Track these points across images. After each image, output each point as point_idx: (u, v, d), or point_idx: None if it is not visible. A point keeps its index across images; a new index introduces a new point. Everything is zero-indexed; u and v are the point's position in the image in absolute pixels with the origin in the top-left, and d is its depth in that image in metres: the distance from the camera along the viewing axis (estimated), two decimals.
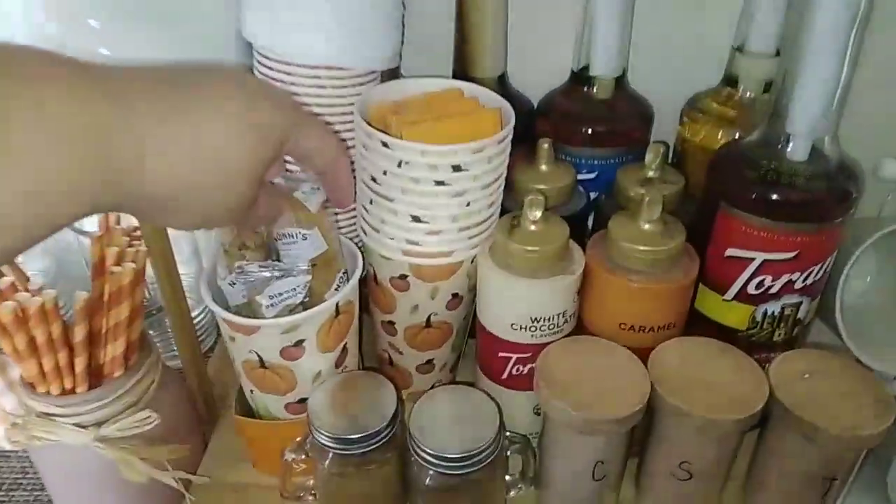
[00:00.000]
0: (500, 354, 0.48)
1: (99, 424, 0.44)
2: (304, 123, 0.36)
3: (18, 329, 0.39)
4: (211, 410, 0.57)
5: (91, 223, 0.61)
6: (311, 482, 0.48)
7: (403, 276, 0.49)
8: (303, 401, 0.47)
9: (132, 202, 0.29)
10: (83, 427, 0.44)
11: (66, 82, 0.26)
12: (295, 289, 0.42)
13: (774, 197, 0.44)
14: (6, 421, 0.57)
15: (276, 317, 0.42)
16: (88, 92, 0.26)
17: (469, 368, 0.58)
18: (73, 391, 0.43)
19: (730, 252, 0.47)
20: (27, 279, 0.42)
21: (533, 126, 0.55)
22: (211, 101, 0.31)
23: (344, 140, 0.48)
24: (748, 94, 0.53)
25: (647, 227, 0.44)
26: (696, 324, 0.49)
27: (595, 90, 0.54)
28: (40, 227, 0.26)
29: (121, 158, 0.27)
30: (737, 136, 0.53)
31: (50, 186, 0.25)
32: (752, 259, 0.46)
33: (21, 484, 0.58)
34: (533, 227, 0.45)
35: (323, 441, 0.43)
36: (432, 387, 0.57)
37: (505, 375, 0.49)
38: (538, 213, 0.44)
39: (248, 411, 0.50)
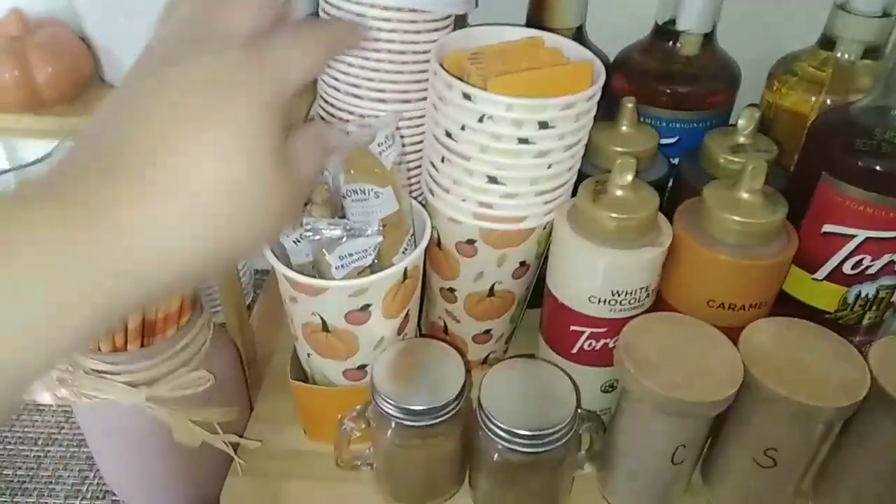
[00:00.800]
0: (573, 328, 0.45)
1: (149, 384, 0.42)
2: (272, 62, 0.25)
3: None
4: (254, 372, 0.55)
5: None
6: (368, 451, 0.45)
7: (471, 241, 0.46)
8: (362, 367, 0.45)
9: (156, 290, 0.23)
10: (133, 386, 0.41)
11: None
12: (366, 250, 0.39)
13: (886, 169, 0.40)
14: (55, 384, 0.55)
15: (344, 278, 0.39)
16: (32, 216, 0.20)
17: (522, 340, 0.55)
18: (124, 348, 0.41)
19: (827, 228, 0.43)
20: None
21: (609, 84, 0.51)
22: (170, 153, 0.22)
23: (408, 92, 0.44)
24: (847, 57, 0.49)
25: (746, 196, 0.41)
26: (778, 304, 0.46)
27: (680, 46, 0.50)
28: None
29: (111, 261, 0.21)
30: (828, 103, 0.49)
31: (26, 331, 0.20)
32: (853, 236, 0.43)
33: (57, 439, 0.57)
34: (620, 193, 0.41)
35: (387, 410, 0.41)
36: (486, 357, 0.55)
37: (575, 350, 0.46)
38: (629, 178, 0.41)
39: (301, 376, 0.48)
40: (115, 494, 0.52)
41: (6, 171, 0.61)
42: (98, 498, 0.52)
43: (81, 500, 0.52)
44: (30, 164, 0.60)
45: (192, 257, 0.23)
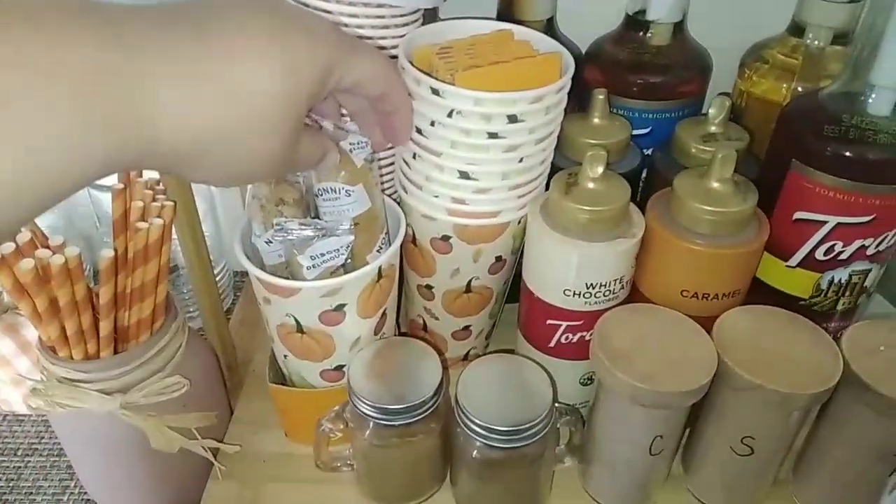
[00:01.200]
0: (549, 322, 0.45)
1: (124, 391, 0.41)
2: (350, 52, 0.32)
3: (40, 290, 0.36)
4: (234, 376, 0.55)
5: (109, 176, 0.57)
6: (348, 452, 0.45)
7: (446, 238, 0.46)
8: (339, 368, 0.45)
9: (153, 158, 0.26)
10: (107, 393, 0.41)
11: (66, 24, 0.22)
12: (338, 250, 0.39)
13: (854, 154, 0.41)
14: (21, 384, 0.54)
15: (316, 279, 0.39)
16: (91, 33, 0.23)
17: (503, 335, 0.55)
18: (96, 355, 0.41)
19: (799, 215, 0.44)
20: (45, 236, 0.39)
21: (580, 75, 0.51)
22: (235, 36, 0.26)
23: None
24: (816, 43, 0.49)
25: (717, 185, 0.41)
26: (754, 292, 0.46)
27: (651, 36, 0.50)
28: (44, 193, 0.22)
29: (134, 107, 0.24)
30: (799, 90, 0.49)
31: (53, 143, 0.22)
32: (824, 222, 0.43)
33: (37, 449, 0.56)
34: (592, 185, 0.41)
35: (364, 411, 0.41)
36: (466, 354, 0.55)
37: (552, 344, 0.46)
38: (600, 170, 0.41)
39: (280, 378, 0.47)
40: (95, 503, 0.51)
41: None
42: None
43: None
44: None
45: (186, 137, 0.26)
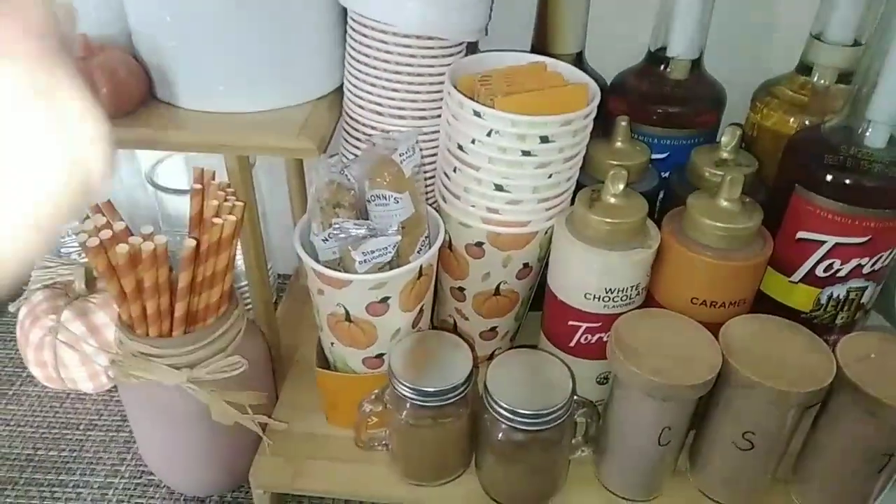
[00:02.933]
0: (570, 323, 0.50)
1: (190, 366, 0.46)
2: None
3: (129, 272, 0.42)
4: (279, 366, 0.60)
5: (171, 179, 0.64)
6: (384, 433, 0.50)
7: (479, 244, 0.51)
8: (380, 356, 0.50)
9: None
10: (177, 368, 0.46)
11: None
12: (386, 248, 0.44)
13: (851, 181, 0.45)
14: (88, 364, 0.60)
15: (366, 273, 0.44)
16: None
17: (527, 339, 0.60)
18: (169, 334, 0.46)
19: (801, 234, 0.48)
20: (129, 231, 0.44)
21: (606, 104, 0.57)
22: None
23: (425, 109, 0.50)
24: (822, 82, 0.53)
25: (726, 204, 0.45)
26: (759, 305, 0.51)
27: (670, 71, 0.55)
28: None
29: None
30: (807, 124, 0.54)
31: None
32: (824, 242, 0.47)
33: (97, 424, 0.61)
34: (613, 200, 0.46)
35: (402, 392, 0.45)
36: (492, 354, 0.59)
37: (573, 343, 0.51)
38: (621, 187, 0.46)
39: (324, 364, 0.52)
40: (151, 474, 0.57)
41: None
42: (135, 477, 0.57)
43: (120, 478, 0.57)
44: None
45: None
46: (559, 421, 0.45)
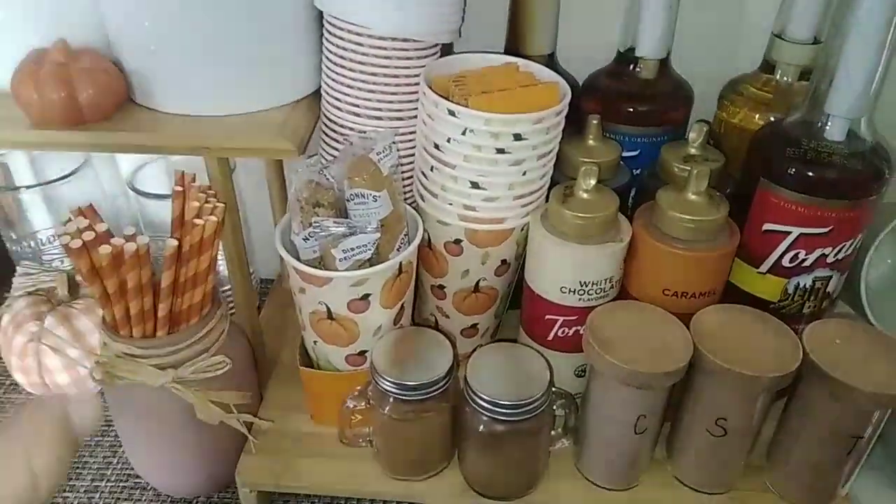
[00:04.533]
0: (548, 317, 0.51)
1: (175, 367, 0.47)
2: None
3: (112, 273, 0.42)
4: (264, 366, 0.61)
5: (152, 184, 0.64)
6: (368, 430, 0.51)
7: (458, 241, 0.52)
8: (362, 353, 0.51)
9: None
10: (161, 368, 0.47)
11: None
12: (366, 245, 0.45)
13: (813, 173, 0.47)
14: (72, 369, 0.60)
15: (347, 270, 0.45)
16: None
17: (508, 336, 0.61)
18: (153, 335, 0.47)
19: (767, 226, 0.50)
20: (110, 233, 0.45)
21: (578, 104, 0.58)
22: None
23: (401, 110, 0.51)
24: (785, 79, 0.55)
25: (693, 198, 0.47)
26: (730, 296, 0.52)
27: (639, 71, 0.57)
28: None
29: None
30: (772, 120, 0.56)
31: None
32: (789, 233, 0.49)
33: None
34: (585, 196, 0.48)
35: (385, 387, 0.46)
36: (473, 351, 0.60)
37: (550, 337, 0.52)
38: (592, 182, 0.47)
39: (308, 364, 0.53)
40: (137, 476, 0.57)
41: (33, 186, 0.67)
42: (122, 480, 0.57)
43: (106, 482, 0.57)
44: (55, 181, 0.66)
45: None
46: (538, 412, 0.46)
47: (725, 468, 0.50)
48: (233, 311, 0.59)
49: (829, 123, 0.47)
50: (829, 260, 0.50)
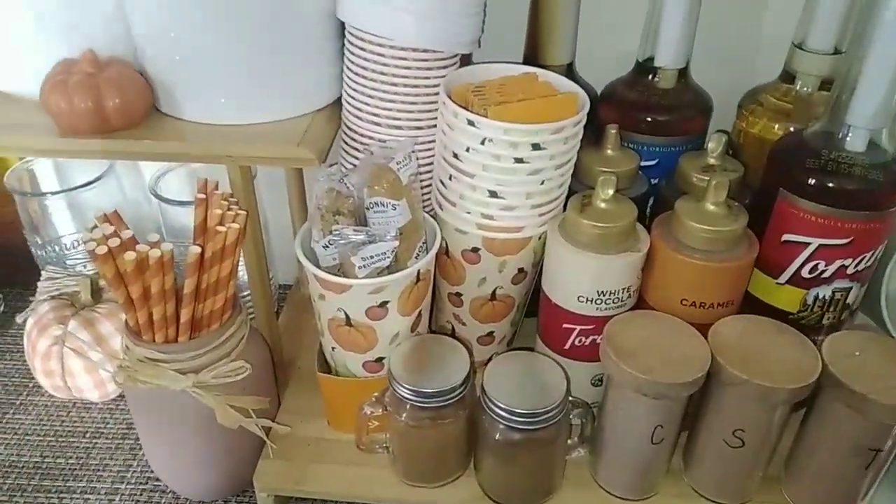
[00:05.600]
0: (565, 326, 0.51)
1: (196, 371, 0.48)
2: None
3: (136, 279, 0.43)
4: (282, 371, 0.61)
5: (174, 190, 0.65)
6: (384, 436, 0.51)
7: (475, 250, 0.52)
8: (380, 360, 0.51)
9: None
10: (182, 373, 0.47)
11: None
12: (384, 253, 0.45)
13: (833, 184, 0.47)
14: (94, 373, 0.61)
15: (365, 278, 0.46)
16: None
17: (524, 345, 0.61)
18: (175, 340, 0.47)
19: (786, 237, 0.49)
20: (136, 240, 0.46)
21: (596, 113, 0.58)
22: None
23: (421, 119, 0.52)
24: (805, 89, 0.55)
25: (712, 208, 0.47)
26: (748, 306, 0.52)
27: (658, 80, 0.57)
28: None
29: None
30: (791, 130, 0.55)
31: None
32: (808, 244, 0.49)
33: (103, 433, 0.63)
34: (603, 205, 0.48)
35: (402, 394, 0.47)
36: (489, 359, 0.60)
37: (567, 346, 0.52)
38: (610, 192, 0.47)
39: (326, 370, 0.54)
40: (157, 479, 0.58)
41: (58, 192, 0.69)
42: (142, 483, 0.58)
43: (126, 484, 0.58)
44: (80, 187, 0.68)
45: None
46: (555, 420, 0.46)
47: (743, 479, 0.50)
48: (252, 316, 0.59)
49: (850, 134, 0.47)
50: (850, 271, 0.49)
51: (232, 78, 0.48)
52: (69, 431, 0.62)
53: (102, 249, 0.43)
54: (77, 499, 0.57)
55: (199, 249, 0.44)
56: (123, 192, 0.71)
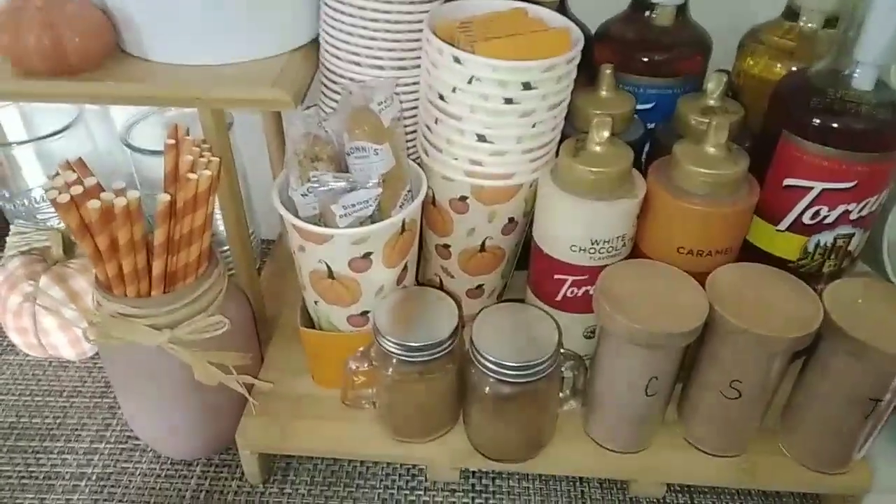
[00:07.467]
0: (556, 276, 0.49)
1: (171, 326, 0.45)
2: None
3: (102, 229, 0.41)
4: (263, 329, 0.59)
5: (148, 140, 0.62)
6: (370, 391, 0.50)
7: (463, 198, 0.50)
8: (364, 314, 0.49)
9: None
10: (157, 328, 0.45)
11: None
12: (367, 201, 0.43)
13: (838, 125, 0.44)
14: (68, 330, 0.59)
15: (347, 227, 0.43)
16: None
17: (514, 298, 0.59)
18: (148, 294, 0.45)
19: (788, 181, 0.47)
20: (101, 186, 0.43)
21: (590, 53, 0.55)
22: None
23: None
24: (810, 26, 0.53)
25: (712, 151, 0.45)
26: (746, 255, 0.50)
27: (655, 18, 0.54)
28: None
29: None
30: (794, 69, 0.53)
31: None
32: (811, 188, 0.47)
33: (80, 391, 0.61)
34: (598, 149, 0.45)
35: (388, 348, 0.45)
36: (479, 312, 0.59)
37: (559, 297, 0.51)
38: (605, 134, 0.45)
39: (309, 324, 0.52)
40: (136, 438, 0.56)
41: (25, 142, 0.65)
42: (121, 442, 0.56)
43: (105, 444, 0.56)
44: (47, 136, 0.64)
45: None
46: (546, 373, 0.44)
47: (739, 431, 0.48)
48: (232, 271, 0.57)
49: (858, 71, 0.44)
50: (853, 217, 0.48)
51: (200, 14, 0.45)
52: (45, 391, 0.60)
53: (65, 198, 0.40)
54: (55, 458, 0.55)
55: (168, 198, 0.41)
56: (94, 141, 0.68)
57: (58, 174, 0.42)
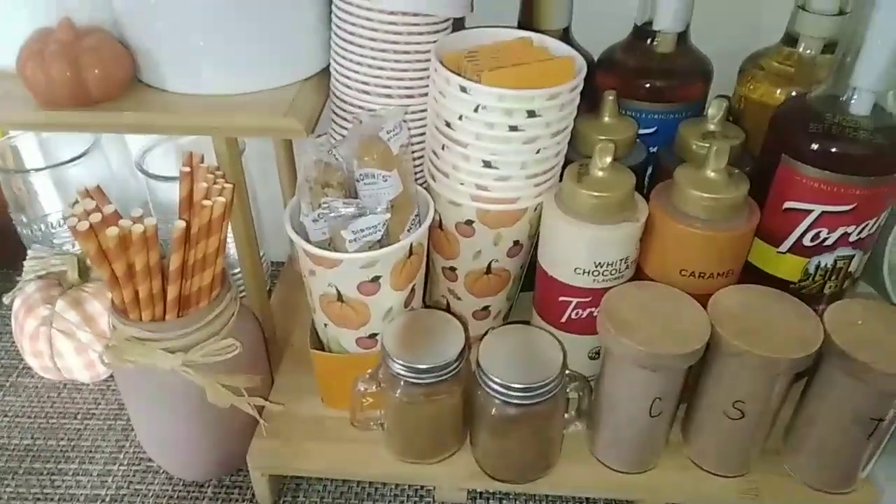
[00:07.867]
0: (561, 298, 0.50)
1: (185, 350, 0.47)
2: None
3: (120, 255, 0.42)
4: (275, 349, 0.60)
5: (161, 166, 0.64)
6: (379, 413, 0.50)
7: (469, 222, 0.51)
8: (373, 336, 0.50)
9: None
10: (171, 352, 0.46)
11: None
12: (376, 226, 0.44)
13: (836, 149, 0.45)
14: (83, 353, 0.60)
15: (357, 252, 0.44)
16: None
17: (519, 319, 0.60)
18: (162, 318, 0.46)
19: (788, 204, 0.48)
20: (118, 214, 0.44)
21: (593, 80, 0.57)
22: None
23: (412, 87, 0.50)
24: (808, 52, 0.54)
25: (712, 175, 0.46)
26: (748, 276, 0.51)
27: (657, 45, 0.55)
28: None
29: None
30: (793, 94, 0.54)
31: None
32: (811, 211, 0.47)
33: (94, 413, 0.62)
34: (601, 174, 0.46)
35: (396, 370, 0.46)
36: (485, 334, 0.60)
37: (564, 319, 0.51)
38: (608, 160, 0.46)
39: (319, 347, 0.53)
40: (150, 460, 0.57)
41: (43, 169, 0.67)
42: (134, 464, 0.57)
43: (119, 465, 0.57)
44: (65, 163, 0.66)
45: None
46: (551, 394, 0.45)
47: (743, 451, 0.49)
48: (243, 294, 0.58)
49: (855, 97, 0.45)
50: (852, 239, 0.48)
51: (216, 47, 0.46)
52: (60, 413, 0.62)
53: (84, 225, 0.41)
54: (69, 480, 0.56)
55: (184, 224, 0.43)
56: (110, 167, 0.69)
57: (77, 202, 0.43)
